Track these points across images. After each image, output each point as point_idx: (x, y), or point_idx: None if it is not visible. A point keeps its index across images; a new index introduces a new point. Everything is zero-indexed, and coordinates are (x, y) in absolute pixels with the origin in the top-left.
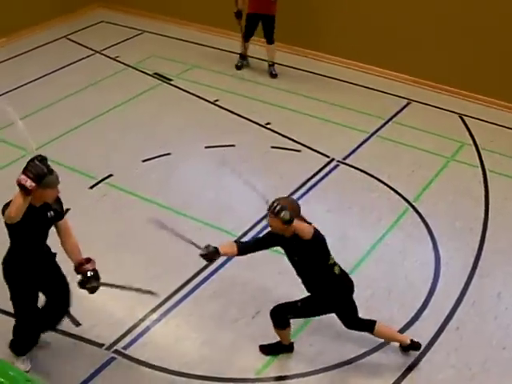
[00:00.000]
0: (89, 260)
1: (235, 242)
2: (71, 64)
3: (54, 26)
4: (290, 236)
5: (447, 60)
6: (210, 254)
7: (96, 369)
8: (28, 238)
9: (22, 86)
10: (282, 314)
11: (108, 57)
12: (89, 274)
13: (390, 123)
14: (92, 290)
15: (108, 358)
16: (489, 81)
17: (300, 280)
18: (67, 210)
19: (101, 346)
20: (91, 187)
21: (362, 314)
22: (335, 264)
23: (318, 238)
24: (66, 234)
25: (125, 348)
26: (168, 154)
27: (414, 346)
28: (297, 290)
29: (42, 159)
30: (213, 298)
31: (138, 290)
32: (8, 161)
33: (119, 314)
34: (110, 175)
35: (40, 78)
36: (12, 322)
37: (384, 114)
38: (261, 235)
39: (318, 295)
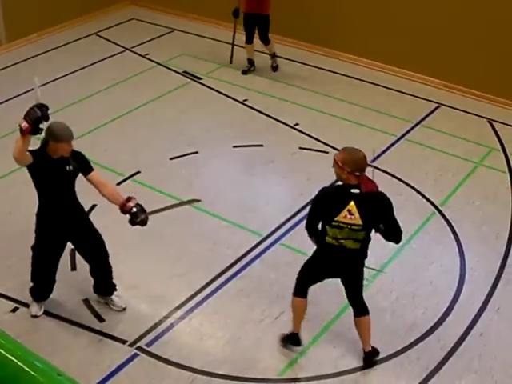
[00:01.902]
0: (129, 198)
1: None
2: (101, 61)
3: (85, 23)
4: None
5: (478, 65)
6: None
7: (119, 365)
8: (48, 188)
9: (52, 81)
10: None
11: (138, 54)
12: (134, 209)
13: (418, 127)
14: (143, 223)
15: (131, 355)
16: None
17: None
18: (93, 205)
19: (124, 342)
20: (118, 184)
21: (386, 318)
22: (336, 238)
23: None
24: (99, 184)
25: (148, 345)
26: (195, 152)
27: (369, 356)
28: (321, 291)
29: (42, 105)
30: (237, 298)
31: (181, 204)
32: None
33: (143, 311)
34: (138, 172)
35: (70, 73)
36: None
37: (413, 117)
38: (309, 208)
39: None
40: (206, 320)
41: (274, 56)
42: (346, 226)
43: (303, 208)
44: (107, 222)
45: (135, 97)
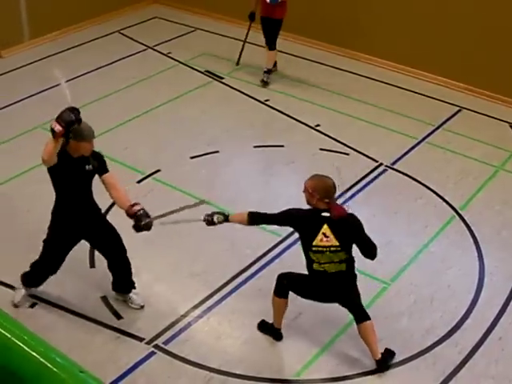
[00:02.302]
0: (136, 204)
1: (249, 213)
2: (123, 58)
3: (108, 20)
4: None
5: (500, 69)
6: (211, 220)
7: (135, 362)
8: (66, 187)
9: (74, 78)
10: (281, 278)
11: (160, 53)
12: (138, 213)
13: (440, 130)
14: (147, 227)
15: (148, 353)
16: None
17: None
18: (113, 203)
19: (141, 340)
20: (138, 182)
21: (404, 321)
22: (319, 264)
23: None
24: (111, 186)
25: (165, 343)
26: (216, 151)
27: (378, 364)
28: None
29: (74, 109)
30: (256, 297)
31: (188, 207)
32: None
33: (161, 309)
34: (158, 170)
35: (92, 71)
36: None
37: (434, 120)
38: (277, 212)
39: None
40: (224, 319)
41: (268, 71)
42: (325, 249)
43: None
44: (125, 220)
45: (156, 95)
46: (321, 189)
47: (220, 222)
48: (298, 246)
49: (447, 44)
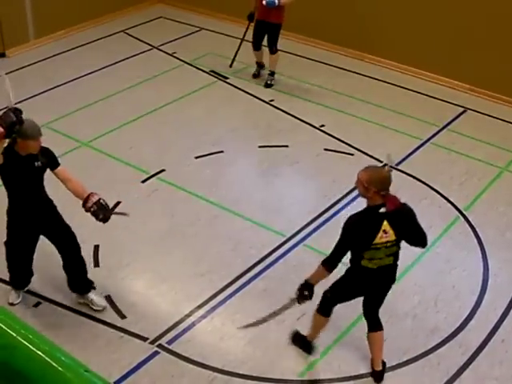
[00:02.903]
0: (90, 195)
1: (322, 264)
2: (128, 58)
3: (113, 20)
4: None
5: (504, 69)
6: (305, 296)
7: (139, 362)
8: (17, 185)
9: (79, 77)
10: (325, 293)
11: (165, 52)
12: (92, 209)
13: (444, 131)
14: (103, 220)
15: (151, 352)
16: None
17: None
18: (118, 202)
19: (145, 339)
20: (143, 181)
21: (408, 322)
22: (369, 260)
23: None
24: (65, 179)
25: (169, 343)
26: (221, 151)
27: (377, 375)
28: None
29: (16, 109)
30: (259, 298)
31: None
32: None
33: (165, 308)
34: (162, 170)
35: (97, 70)
36: None
37: (439, 121)
38: (338, 241)
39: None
40: (228, 319)
41: (272, 74)
42: (382, 245)
43: (327, 209)
44: (130, 219)
45: (161, 95)
46: (377, 181)
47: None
48: (303, 247)
49: (452, 45)
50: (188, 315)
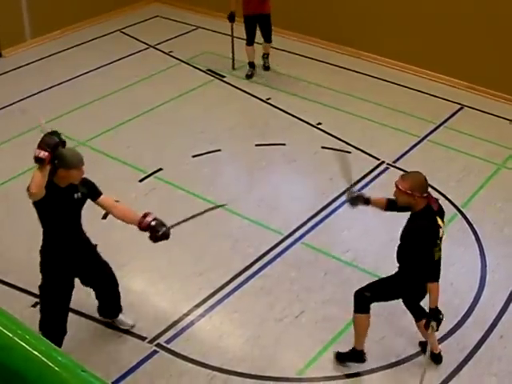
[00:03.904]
0: (146, 215)
1: (430, 283)
2: (125, 57)
3: (110, 19)
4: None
5: (501, 66)
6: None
7: (138, 361)
8: (56, 220)
9: (76, 77)
10: (361, 292)
11: (162, 51)
12: (152, 223)
13: (441, 128)
14: (165, 236)
15: (150, 352)
16: None
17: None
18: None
19: (144, 339)
20: (141, 180)
21: (406, 320)
22: (440, 250)
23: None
24: (111, 207)
25: (167, 342)
26: (218, 150)
27: (437, 358)
28: (343, 290)
29: (54, 132)
30: (258, 296)
31: (204, 211)
32: None
33: (163, 307)
34: (160, 169)
35: (94, 70)
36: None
37: (436, 118)
38: (422, 251)
39: (404, 274)
40: (226, 318)
41: (267, 56)
42: (439, 240)
43: (325, 207)
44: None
45: (158, 94)
46: (419, 185)
47: (442, 316)
48: (301, 245)
49: (450, 42)
50: (186, 314)
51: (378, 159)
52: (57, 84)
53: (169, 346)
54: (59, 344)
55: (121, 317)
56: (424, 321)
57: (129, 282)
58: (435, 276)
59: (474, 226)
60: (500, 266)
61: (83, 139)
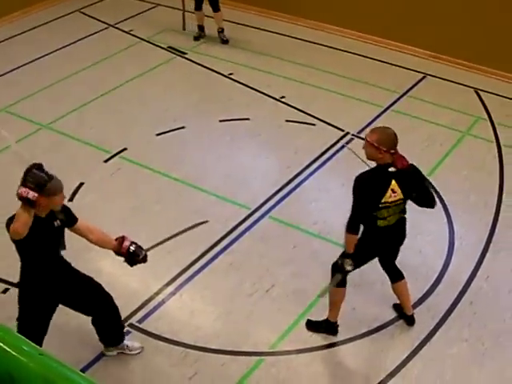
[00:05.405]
0: (122, 239)
1: (348, 232)
2: (85, 38)
3: (68, 0)
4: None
5: (463, 34)
6: (346, 270)
7: None
8: (39, 252)
9: (36, 59)
10: (336, 263)
11: (122, 30)
12: (131, 248)
13: (405, 97)
14: (144, 260)
15: None
16: (505, 55)
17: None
18: (81, 183)
19: None
20: (105, 161)
21: (376, 289)
22: (384, 218)
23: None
24: (87, 231)
25: (139, 322)
26: (182, 127)
27: (410, 319)
28: (313, 265)
29: (39, 167)
30: (227, 272)
31: (186, 229)
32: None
33: (134, 287)
34: (125, 149)
35: (54, 51)
36: None
37: (399, 88)
38: (354, 202)
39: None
40: (197, 295)
41: (222, 31)
42: (391, 204)
43: (291, 181)
44: (94, 199)
45: (120, 74)
46: (386, 140)
47: (351, 263)
48: (268, 219)
49: (411, 12)
50: (157, 293)
51: (343, 130)
52: (18, 67)
53: (141, 326)
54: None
55: (126, 342)
56: (401, 282)
57: (97, 264)
58: (355, 229)
59: (441, 193)
60: (468, 233)
61: (46, 122)
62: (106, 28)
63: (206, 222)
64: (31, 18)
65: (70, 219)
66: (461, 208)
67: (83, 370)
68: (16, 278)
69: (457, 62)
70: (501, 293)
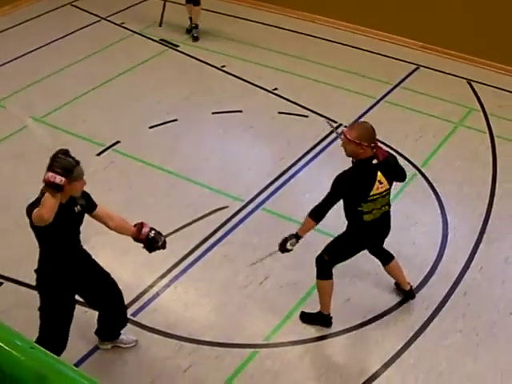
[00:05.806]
0: (141, 225)
1: (309, 216)
2: (77, 31)
3: None
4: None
5: (456, 25)
6: (286, 249)
7: None
8: (59, 239)
9: (28, 53)
10: (321, 256)
11: (113, 23)
12: (151, 235)
13: (397, 88)
14: (163, 246)
15: None
16: (498, 46)
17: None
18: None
19: None
20: (98, 154)
21: (371, 280)
22: (370, 212)
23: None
24: (106, 218)
25: (134, 315)
26: (175, 120)
27: (409, 294)
28: (306, 257)
29: (65, 152)
30: (221, 264)
31: (205, 215)
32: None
33: (128, 280)
34: (118, 142)
35: (46, 44)
36: None
37: (392, 79)
38: (328, 195)
39: (347, 227)
40: (191, 287)
41: (196, 27)
42: (378, 195)
43: (284, 172)
44: (89, 190)
45: (112, 66)
46: (366, 135)
47: (294, 245)
48: (262, 211)
49: (402, 2)
50: (151, 286)
51: (335, 122)
52: (10, 60)
53: (135, 319)
54: (62, 348)
55: (122, 336)
56: (392, 262)
57: (93, 257)
58: (318, 217)
59: (434, 185)
60: (461, 224)
61: (39, 115)
62: (97, 21)
63: (227, 207)
64: (22, 11)
65: (90, 204)
66: (454, 199)
67: (77, 364)
68: (6, 272)
69: (450, 53)
70: (494, 283)
